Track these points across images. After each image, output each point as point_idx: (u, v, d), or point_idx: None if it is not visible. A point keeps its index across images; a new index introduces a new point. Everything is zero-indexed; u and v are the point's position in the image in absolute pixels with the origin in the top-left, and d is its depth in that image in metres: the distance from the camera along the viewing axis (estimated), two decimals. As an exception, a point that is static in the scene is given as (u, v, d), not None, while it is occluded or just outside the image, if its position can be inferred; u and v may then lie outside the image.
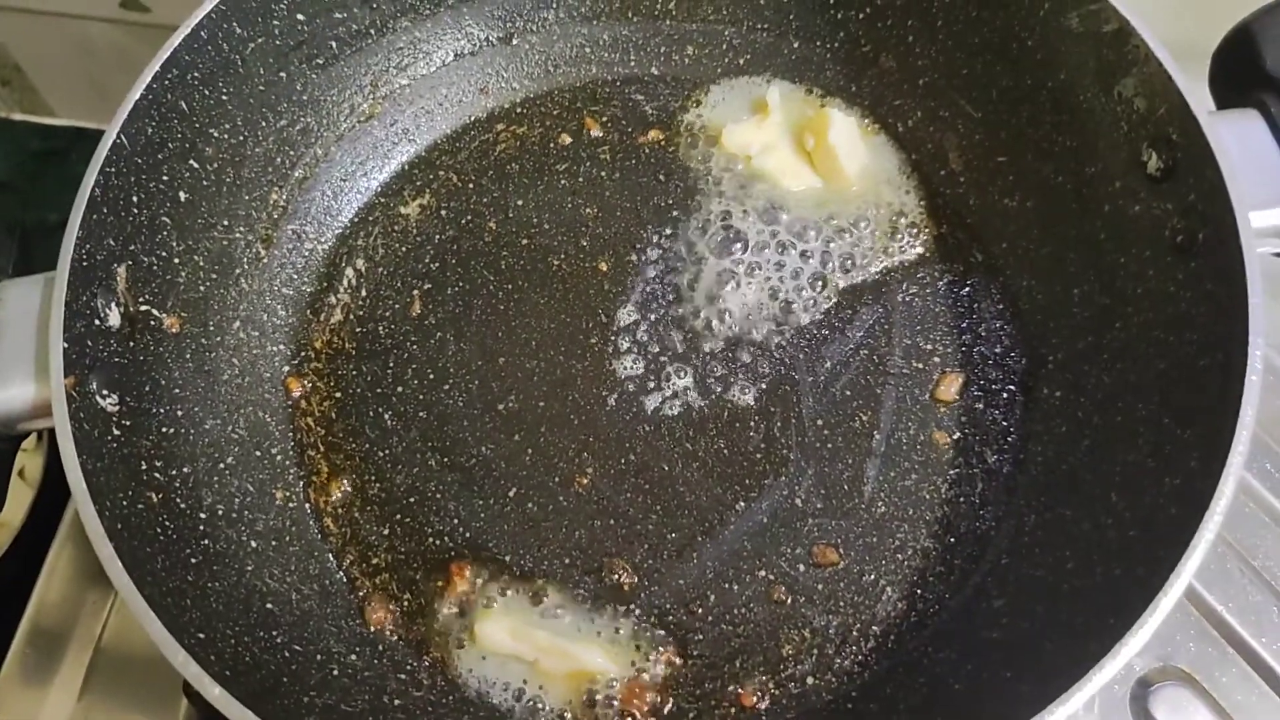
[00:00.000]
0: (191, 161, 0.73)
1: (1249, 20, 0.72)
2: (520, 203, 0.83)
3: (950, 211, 0.81)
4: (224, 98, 0.74)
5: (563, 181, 0.84)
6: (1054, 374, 0.73)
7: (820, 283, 0.78)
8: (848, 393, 0.75)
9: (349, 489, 0.73)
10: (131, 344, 0.67)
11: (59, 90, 1.35)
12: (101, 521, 0.56)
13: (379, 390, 0.77)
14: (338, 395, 0.77)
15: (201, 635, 0.57)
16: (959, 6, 0.78)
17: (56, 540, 0.80)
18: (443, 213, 0.83)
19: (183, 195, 0.72)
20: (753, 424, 0.74)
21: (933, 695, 0.64)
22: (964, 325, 0.77)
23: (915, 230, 0.80)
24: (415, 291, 0.80)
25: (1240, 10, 0.72)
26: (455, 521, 0.72)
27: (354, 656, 0.66)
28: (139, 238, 0.69)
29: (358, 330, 0.79)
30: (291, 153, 0.81)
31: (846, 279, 0.78)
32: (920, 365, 0.76)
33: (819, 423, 0.74)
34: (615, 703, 0.65)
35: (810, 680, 0.66)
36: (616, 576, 0.69)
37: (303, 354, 0.78)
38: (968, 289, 0.78)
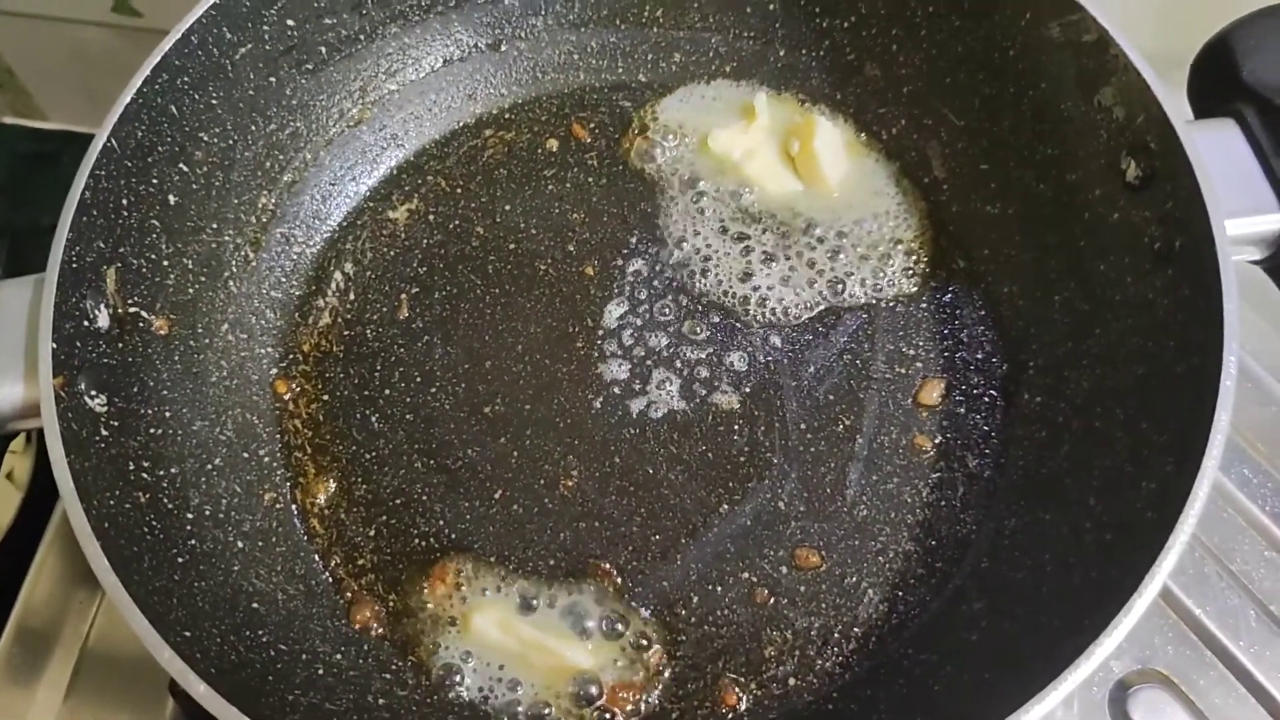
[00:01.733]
0: (181, 165, 0.73)
1: (1226, 31, 0.73)
2: (508, 208, 0.84)
3: (933, 219, 0.81)
4: (214, 102, 0.75)
5: (550, 187, 0.85)
6: (1034, 379, 0.74)
7: (803, 288, 0.79)
8: (831, 397, 0.75)
9: (335, 490, 0.74)
10: (120, 345, 0.68)
11: (51, 94, 1.35)
12: (89, 520, 0.56)
13: (366, 393, 0.77)
14: (325, 398, 0.77)
15: (187, 634, 0.58)
16: (942, 16, 0.79)
17: (44, 542, 0.80)
18: (430, 217, 0.84)
19: (172, 198, 0.73)
20: (736, 428, 0.74)
21: (913, 696, 0.64)
22: (946, 331, 0.77)
23: (897, 238, 0.81)
24: (403, 295, 0.81)
25: (1218, 21, 0.73)
26: (441, 523, 0.72)
27: (339, 656, 0.67)
28: (128, 240, 0.69)
29: (345, 333, 0.79)
30: (280, 157, 0.81)
31: (829, 284, 0.79)
32: (903, 370, 0.76)
33: (802, 427, 0.74)
34: (598, 702, 0.66)
35: (792, 681, 0.67)
36: (601, 578, 0.70)
37: (290, 357, 0.79)
38: (950, 295, 0.79)
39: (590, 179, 0.85)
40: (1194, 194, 0.62)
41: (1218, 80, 0.72)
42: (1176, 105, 0.66)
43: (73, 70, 1.29)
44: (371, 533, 0.72)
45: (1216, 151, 0.66)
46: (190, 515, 0.68)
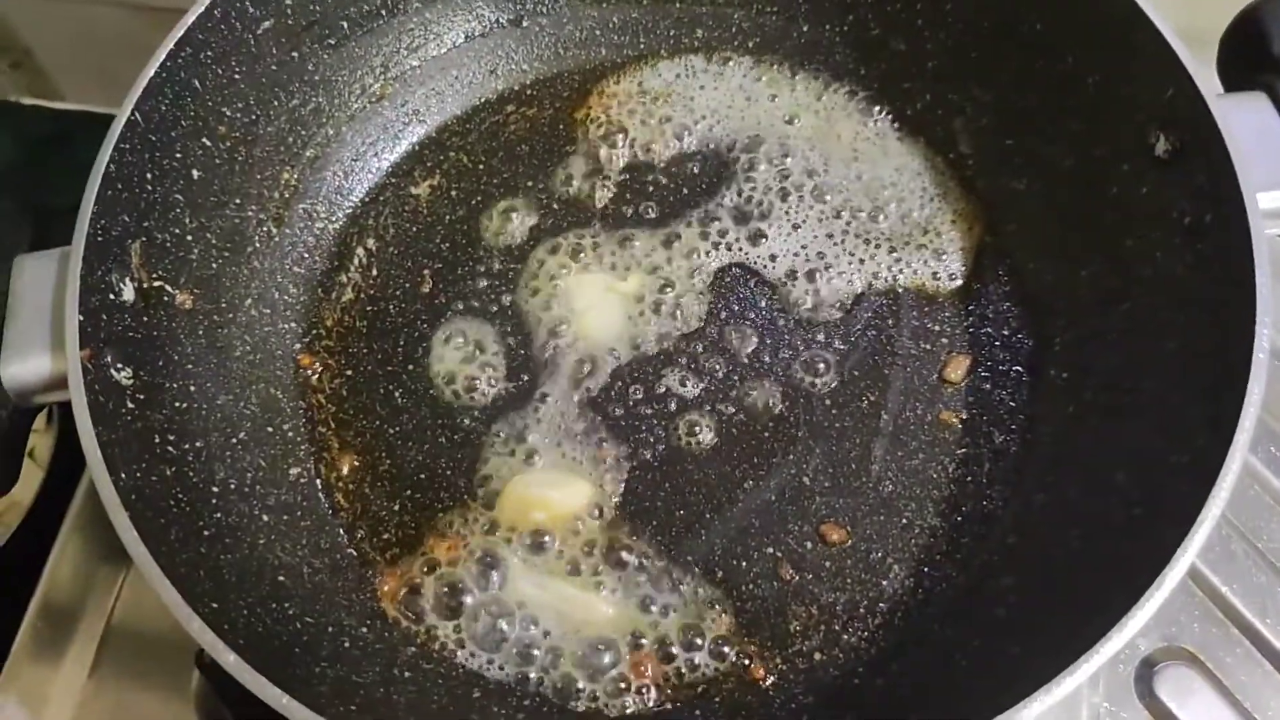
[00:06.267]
0: (204, 140, 0.73)
1: (1257, 3, 0.72)
2: (530, 183, 0.83)
3: (958, 195, 0.81)
4: (236, 77, 0.75)
5: (573, 162, 0.84)
6: (1061, 355, 0.74)
7: (828, 265, 0.78)
8: (856, 373, 0.75)
9: (359, 465, 0.74)
10: (145, 319, 0.68)
11: (68, 74, 1.35)
12: (116, 492, 0.56)
13: (389, 368, 0.77)
14: (349, 373, 0.77)
15: (215, 605, 0.58)
16: (968, -10, 0.79)
17: (68, 519, 0.80)
18: (453, 193, 0.84)
19: (195, 173, 0.73)
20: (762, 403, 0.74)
21: (939, 671, 0.64)
22: (971, 307, 0.77)
23: (923, 215, 0.80)
24: (426, 271, 0.80)
25: (1249, -7, 0.73)
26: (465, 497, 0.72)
27: (365, 629, 0.67)
28: (153, 214, 0.69)
29: (369, 309, 0.79)
30: (303, 132, 0.81)
31: (855, 261, 0.79)
32: (928, 346, 0.76)
33: (827, 402, 0.74)
34: (622, 674, 0.65)
35: (818, 656, 0.67)
36: (624, 553, 0.70)
37: (314, 332, 0.79)
38: (975, 271, 0.78)
39: (613, 154, 0.84)
40: (1224, 167, 0.62)
41: (1248, 53, 0.72)
42: (1206, 78, 0.65)
43: (90, 50, 1.29)
44: (396, 507, 0.72)
45: (1247, 124, 0.65)
46: (216, 489, 0.68)
